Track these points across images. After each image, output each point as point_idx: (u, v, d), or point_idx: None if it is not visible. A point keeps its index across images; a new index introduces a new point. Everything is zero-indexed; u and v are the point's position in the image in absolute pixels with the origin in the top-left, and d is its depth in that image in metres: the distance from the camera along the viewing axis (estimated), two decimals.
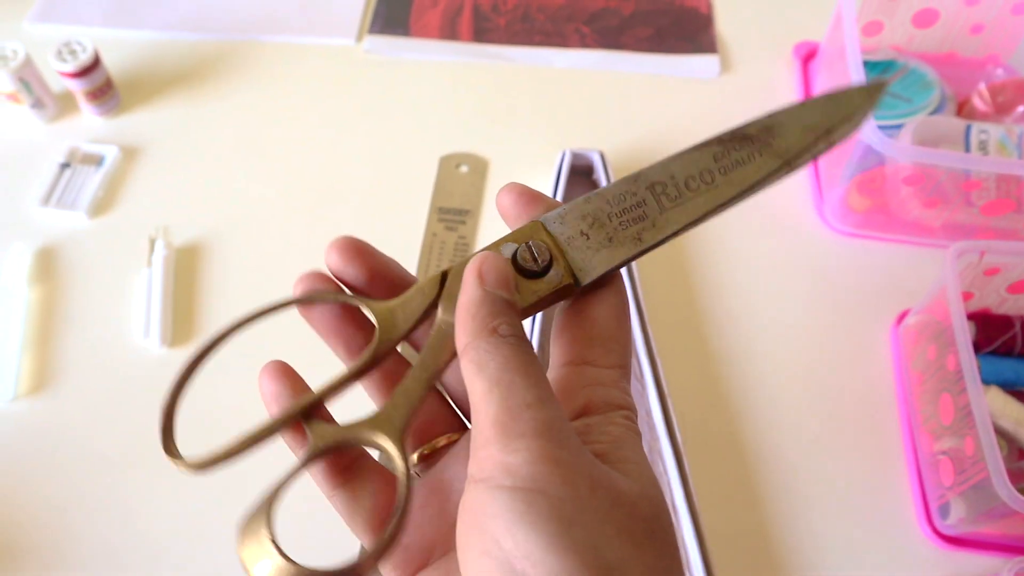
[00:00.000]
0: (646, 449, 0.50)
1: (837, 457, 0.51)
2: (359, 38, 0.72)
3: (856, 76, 0.54)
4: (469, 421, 0.30)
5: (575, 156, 0.58)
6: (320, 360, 0.32)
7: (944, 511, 0.48)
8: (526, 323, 0.38)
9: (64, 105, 0.66)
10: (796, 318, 0.56)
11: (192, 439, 0.51)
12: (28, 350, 0.54)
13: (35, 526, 0.48)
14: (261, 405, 0.30)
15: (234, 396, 0.53)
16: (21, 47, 0.62)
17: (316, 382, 0.28)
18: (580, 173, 0.59)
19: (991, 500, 0.42)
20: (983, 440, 0.42)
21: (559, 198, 0.56)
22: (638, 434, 0.25)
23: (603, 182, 0.57)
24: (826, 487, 0.50)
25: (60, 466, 0.50)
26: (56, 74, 0.63)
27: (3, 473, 0.50)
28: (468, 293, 0.25)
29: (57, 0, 0.74)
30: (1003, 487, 0.41)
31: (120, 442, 0.51)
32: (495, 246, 0.27)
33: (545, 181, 0.61)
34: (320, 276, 0.30)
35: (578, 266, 0.27)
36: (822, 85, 0.65)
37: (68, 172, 0.62)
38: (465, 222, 0.60)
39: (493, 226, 0.60)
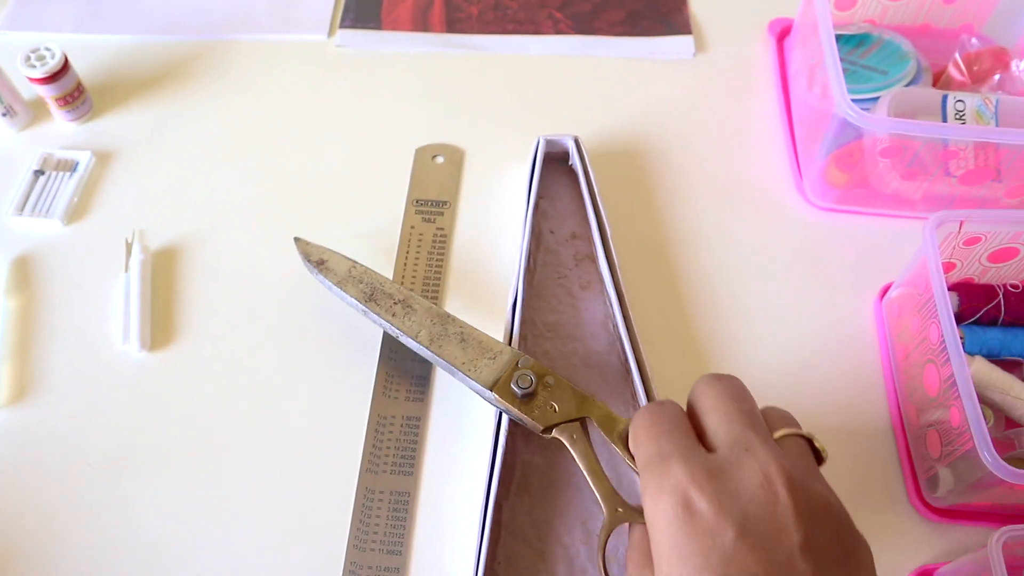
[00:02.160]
0: None
1: (825, 434, 0.50)
2: (330, 33, 0.71)
3: (829, 51, 0.54)
4: None
5: (549, 143, 0.57)
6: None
7: (932, 484, 0.48)
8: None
9: (36, 112, 0.66)
10: (780, 296, 0.56)
11: (187, 450, 0.51)
12: (7, 360, 0.54)
13: (24, 533, 0.48)
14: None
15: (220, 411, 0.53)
16: None
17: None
18: (556, 159, 0.59)
19: (978, 470, 0.42)
20: (968, 410, 0.42)
21: (535, 185, 0.56)
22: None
23: (578, 167, 0.57)
24: None
25: (46, 473, 0.50)
26: (26, 81, 0.62)
27: None
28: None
29: (25, 7, 0.73)
30: (988, 456, 0.40)
31: (104, 447, 0.51)
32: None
33: (521, 169, 0.60)
34: None
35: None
36: (797, 61, 0.64)
37: (42, 179, 0.61)
38: (443, 213, 0.59)
39: (471, 217, 0.60)
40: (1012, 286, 0.52)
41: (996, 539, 0.40)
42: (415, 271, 0.57)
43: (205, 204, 0.61)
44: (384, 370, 0.53)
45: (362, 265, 0.50)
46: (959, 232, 0.49)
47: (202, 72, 0.69)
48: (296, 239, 0.52)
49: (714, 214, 0.60)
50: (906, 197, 0.58)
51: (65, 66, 0.62)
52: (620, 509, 0.37)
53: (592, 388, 0.51)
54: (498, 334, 0.53)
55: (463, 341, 0.45)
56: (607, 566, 0.36)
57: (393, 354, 0.53)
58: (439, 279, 0.56)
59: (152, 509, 0.49)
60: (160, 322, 0.55)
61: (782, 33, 0.69)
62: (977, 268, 0.53)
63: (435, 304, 0.48)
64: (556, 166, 0.59)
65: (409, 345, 0.47)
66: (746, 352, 0.54)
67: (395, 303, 0.48)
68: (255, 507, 0.49)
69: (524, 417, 0.41)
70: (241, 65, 0.69)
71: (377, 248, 0.58)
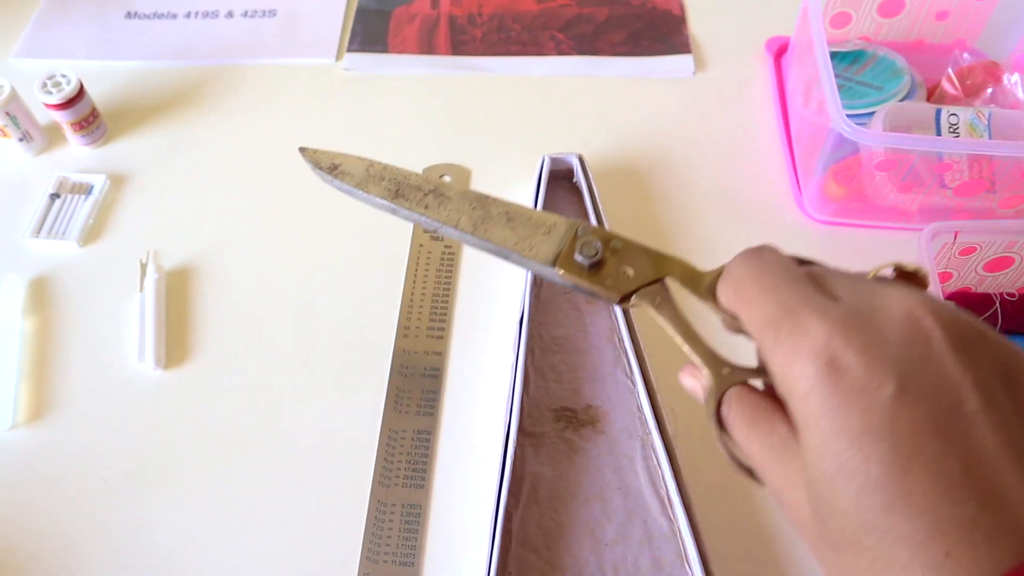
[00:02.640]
0: (638, 443, 0.50)
1: None
2: (338, 57, 0.73)
3: (824, 68, 0.55)
4: None
5: (554, 161, 0.59)
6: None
7: None
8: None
9: (51, 137, 0.67)
10: None
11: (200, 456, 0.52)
12: (25, 379, 0.55)
13: (43, 549, 0.49)
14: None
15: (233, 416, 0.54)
16: (7, 82, 0.63)
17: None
18: (560, 177, 0.60)
19: None
20: None
21: (540, 203, 0.57)
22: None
23: (582, 185, 0.58)
24: None
25: (64, 490, 0.51)
26: (42, 107, 0.64)
27: (8, 500, 0.51)
28: None
29: (41, 35, 0.75)
30: None
31: (120, 463, 0.52)
32: None
33: (527, 187, 0.62)
34: None
35: None
36: (794, 79, 0.66)
37: (58, 202, 0.63)
38: None
39: None
40: (1009, 295, 0.53)
41: None
42: (424, 289, 0.58)
43: (218, 224, 0.62)
44: (395, 385, 0.54)
45: (380, 163, 0.45)
46: (954, 242, 0.50)
47: (213, 96, 0.70)
48: (301, 149, 0.47)
49: (716, 229, 0.61)
50: (903, 209, 0.59)
51: (80, 92, 0.64)
52: (726, 370, 0.32)
53: (598, 401, 0.52)
54: (506, 347, 0.54)
55: (510, 220, 0.40)
56: (725, 441, 0.31)
57: (404, 369, 0.54)
58: (448, 295, 0.58)
59: (168, 524, 0.50)
60: (175, 340, 0.57)
61: (779, 51, 0.71)
62: (974, 278, 0.54)
63: (473, 196, 0.42)
64: (561, 183, 0.60)
65: (450, 235, 0.42)
66: (748, 362, 0.55)
67: (425, 194, 0.42)
68: (269, 521, 0.50)
69: (596, 289, 0.36)
70: (251, 89, 0.71)
71: (387, 267, 0.59)
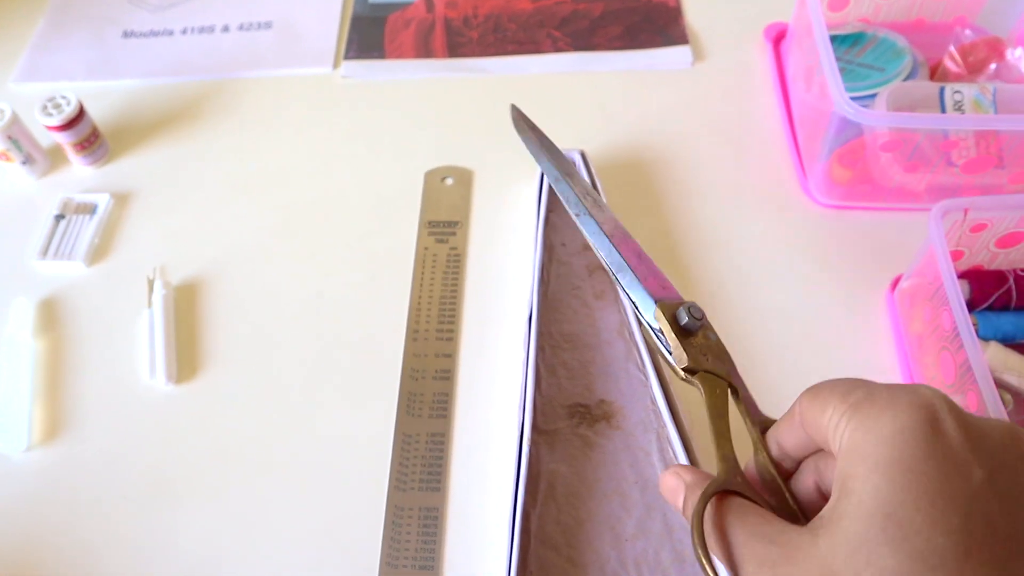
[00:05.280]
0: (654, 437, 0.50)
1: None
2: (335, 65, 0.73)
3: (825, 51, 0.55)
4: None
5: None
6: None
7: None
8: None
9: (54, 159, 0.67)
10: (791, 294, 0.57)
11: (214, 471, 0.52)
12: (39, 400, 0.55)
13: (65, 567, 0.49)
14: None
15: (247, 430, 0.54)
16: (7, 107, 0.63)
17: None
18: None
19: None
20: (985, 393, 0.42)
21: (544, 198, 0.57)
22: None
23: (586, 180, 0.58)
24: None
25: (82, 507, 0.51)
26: (43, 129, 0.64)
27: (27, 520, 0.51)
28: None
29: (39, 59, 0.75)
30: None
31: (137, 479, 0.52)
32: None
33: (530, 186, 0.61)
34: None
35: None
36: (794, 64, 0.65)
37: (63, 223, 0.63)
38: (455, 233, 0.60)
39: (483, 235, 0.61)
40: (1022, 270, 0.53)
41: None
42: (431, 291, 0.58)
43: (223, 237, 0.62)
44: (406, 389, 0.54)
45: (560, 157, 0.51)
46: (964, 220, 0.50)
47: (212, 111, 0.70)
48: (513, 106, 0.55)
49: (721, 218, 0.61)
50: (910, 189, 0.58)
51: (81, 113, 0.64)
52: (739, 478, 0.32)
53: (611, 396, 0.52)
54: (516, 346, 0.54)
55: (640, 258, 0.42)
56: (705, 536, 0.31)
57: (414, 372, 0.54)
58: (455, 297, 0.57)
59: (188, 536, 0.50)
60: (185, 355, 0.56)
61: (778, 37, 0.70)
62: (986, 255, 0.53)
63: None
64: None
65: (585, 227, 0.44)
66: (760, 351, 0.54)
67: (587, 193, 0.46)
68: (287, 529, 0.50)
69: (677, 344, 0.37)
70: (250, 101, 0.71)
71: (393, 270, 0.59)
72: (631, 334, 0.53)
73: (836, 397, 0.28)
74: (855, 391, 0.28)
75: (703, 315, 0.37)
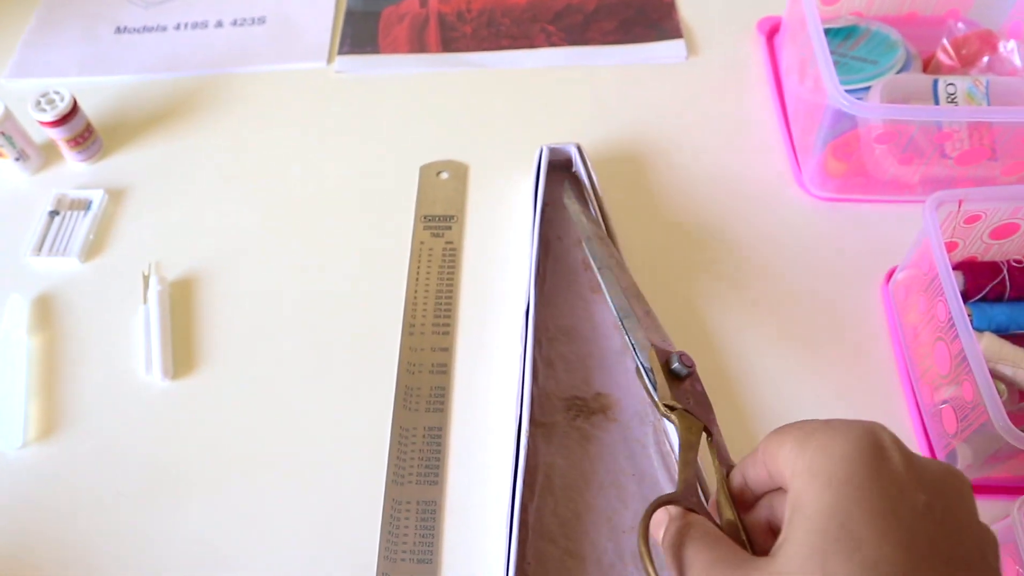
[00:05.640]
0: (650, 429, 0.50)
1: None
2: (330, 60, 0.73)
3: (819, 44, 0.55)
4: None
5: (552, 151, 0.59)
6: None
7: (951, 459, 0.48)
8: None
9: (48, 155, 0.67)
10: (787, 286, 0.57)
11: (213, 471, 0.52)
12: (34, 397, 0.55)
13: (61, 564, 0.49)
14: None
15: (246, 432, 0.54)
16: (0, 103, 0.63)
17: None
18: (559, 168, 0.60)
19: (995, 442, 0.43)
20: (980, 382, 0.43)
21: (540, 193, 0.57)
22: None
23: (582, 174, 0.58)
24: None
25: (79, 504, 0.51)
26: (37, 125, 0.64)
27: (23, 517, 0.51)
28: None
29: (31, 55, 0.75)
30: (1003, 425, 0.41)
31: (134, 475, 0.52)
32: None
33: (525, 180, 0.61)
34: None
35: None
36: (788, 57, 0.65)
37: (58, 220, 0.63)
38: (451, 227, 0.60)
39: (479, 229, 0.61)
40: (1016, 261, 0.53)
41: (1018, 507, 0.40)
42: (427, 285, 0.58)
43: (219, 233, 0.62)
44: (403, 383, 0.54)
45: (596, 220, 0.55)
46: (959, 211, 0.50)
47: (206, 106, 0.70)
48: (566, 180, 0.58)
49: (717, 211, 0.61)
50: (905, 181, 0.59)
51: (74, 108, 0.64)
52: (694, 498, 0.35)
53: (608, 388, 0.52)
54: (513, 340, 0.54)
55: (648, 314, 0.46)
56: (651, 551, 0.33)
57: (411, 367, 0.54)
58: (451, 291, 0.57)
59: (185, 531, 0.50)
60: (181, 350, 0.56)
61: (771, 31, 0.70)
62: (980, 246, 0.53)
63: (634, 283, 0.49)
64: (559, 173, 0.60)
65: (604, 279, 0.48)
66: (757, 343, 0.55)
67: (611, 255, 0.51)
68: (285, 525, 0.49)
69: (664, 384, 0.41)
70: (244, 96, 0.71)
71: (389, 265, 0.59)
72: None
73: (794, 430, 0.30)
74: (810, 424, 0.30)
75: (693, 364, 0.41)
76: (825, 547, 0.26)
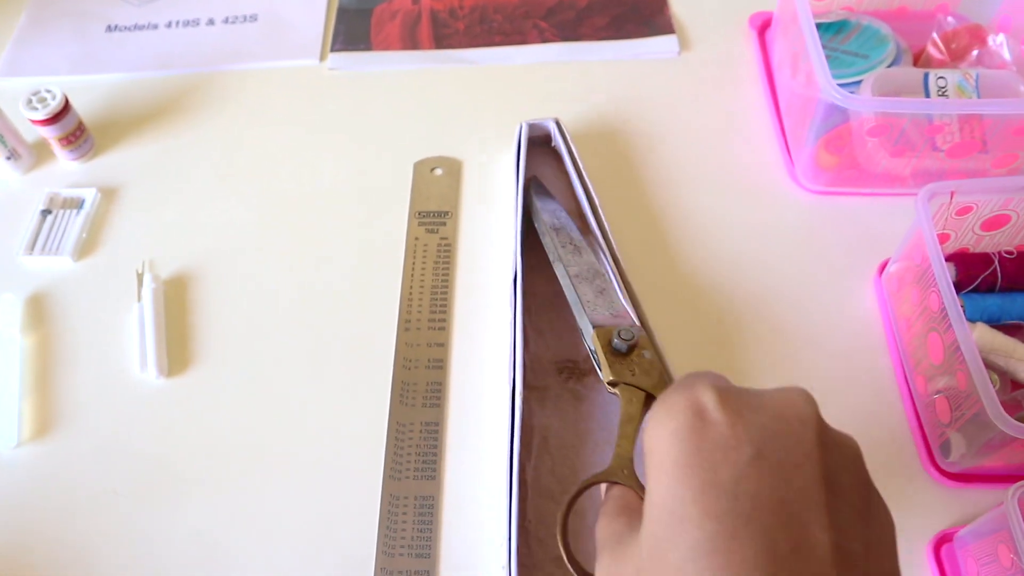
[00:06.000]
0: None
1: (835, 412, 0.51)
2: (322, 57, 0.72)
3: (811, 38, 0.55)
4: None
5: (532, 127, 0.59)
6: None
7: (945, 449, 0.49)
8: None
9: (39, 154, 0.67)
10: (780, 281, 0.57)
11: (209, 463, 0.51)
12: (28, 396, 0.55)
13: (57, 564, 0.49)
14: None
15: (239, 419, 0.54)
16: None
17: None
18: (538, 144, 0.61)
19: (989, 431, 0.43)
20: (973, 371, 0.43)
21: (522, 169, 0.57)
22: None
23: (562, 149, 0.58)
24: None
25: (75, 503, 0.51)
26: (28, 124, 0.63)
27: (18, 516, 0.50)
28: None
29: (21, 54, 0.75)
30: (996, 414, 0.41)
31: (129, 473, 0.52)
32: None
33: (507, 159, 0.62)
34: None
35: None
36: (780, 52, 0.66)
37: (50, 218, 0.62)
38: (445, 223, 0.60)
39: (473, 224, 0.61)
40: (1007, 252, 0.53)
41: (1012, 494, 0.40)
42: (423, 280, 0.58)
43: (212, 230, 0.62)
44: (399, 378, 0.54)
45: (564, 215, 0.56)
46: (951, 203, 0.50)
47: (198, 104, 0.70)
48: (533, 177, 0.60)
49: (709, 206, 0.61)
50: (896, 174, 0.59)
51: (66, 107, 0.63)
52: (626, 472, 0.36)
53: None
54: (505, 316, 0.54)
55: (601, 293, 0.48)
56: (567, 531, 0.35)
57: (407, 362, 0.54)
58: (446, 286, 0.57)
59: (181, 529, 0.49)
60: (176, 348, 0.56)
61: (763, 26, 0.71)
62: (971, 238, 0.54)
63: (597, 268, 0.51)
64: (539, 149, 0.61)
65: (557, 272, 0.51)
66: (749, 336, 0.55)
67: (569, 241, 0.53)
68: (283, 521, 0.49)
69: (606, 363, 0.43)
70: (236, 94, 0.71)
71: (384, 261, 0.59)
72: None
73: (657, 402, 0.30)
74: (663, 395, 0.30)
75: (633, 336, 0.43)
76: (663, 534, 0.26)
